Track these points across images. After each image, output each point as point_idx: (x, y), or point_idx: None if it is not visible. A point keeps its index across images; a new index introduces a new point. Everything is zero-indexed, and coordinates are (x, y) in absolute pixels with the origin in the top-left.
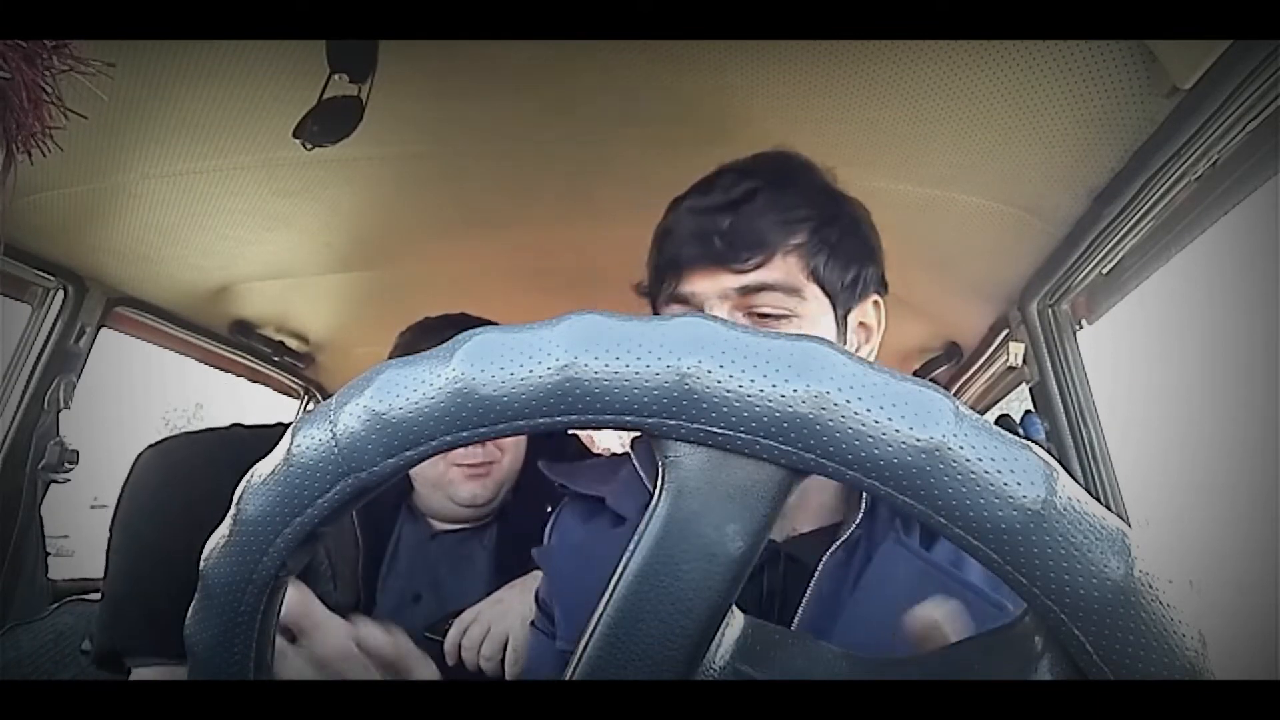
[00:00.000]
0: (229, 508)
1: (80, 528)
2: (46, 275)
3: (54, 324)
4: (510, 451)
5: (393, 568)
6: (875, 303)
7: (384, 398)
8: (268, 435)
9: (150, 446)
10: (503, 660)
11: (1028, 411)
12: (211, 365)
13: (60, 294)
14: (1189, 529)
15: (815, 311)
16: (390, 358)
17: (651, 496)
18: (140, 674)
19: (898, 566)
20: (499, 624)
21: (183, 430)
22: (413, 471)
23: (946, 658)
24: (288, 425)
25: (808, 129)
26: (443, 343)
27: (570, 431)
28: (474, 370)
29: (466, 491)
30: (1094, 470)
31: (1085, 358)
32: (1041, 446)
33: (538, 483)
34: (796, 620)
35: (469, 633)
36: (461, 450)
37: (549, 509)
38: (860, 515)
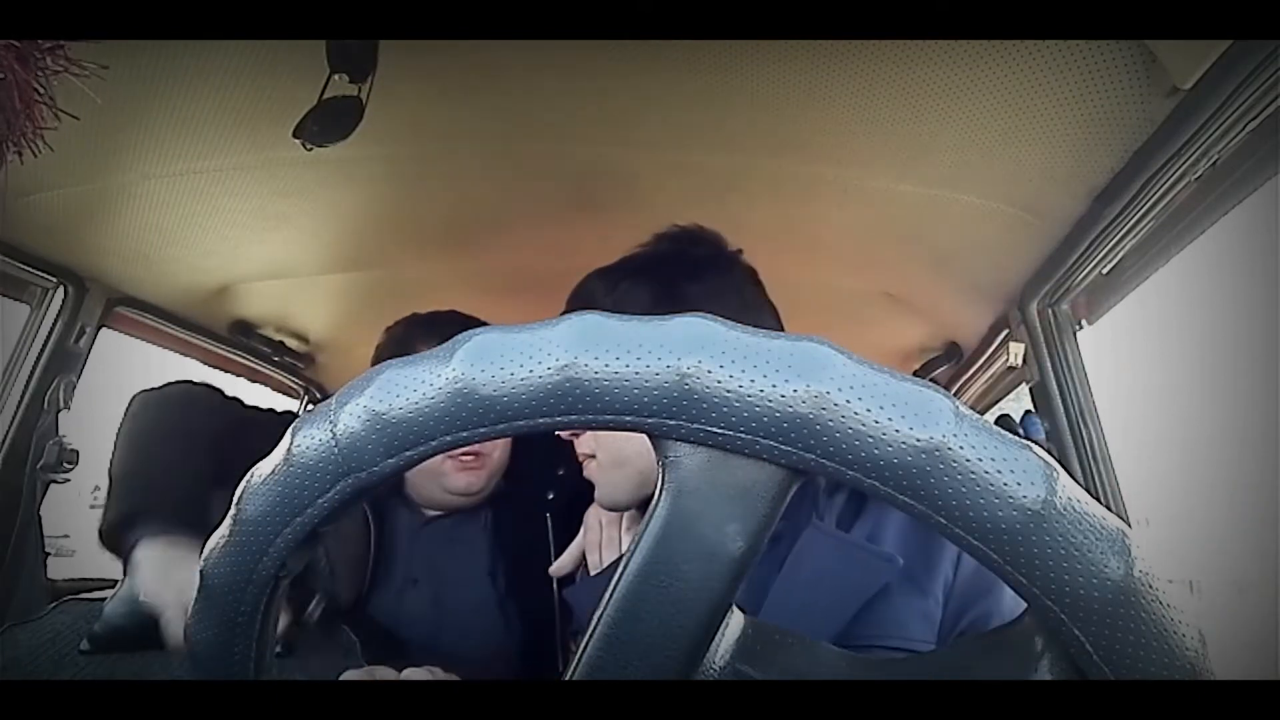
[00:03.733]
0: (224, 444)
1: (80, 528)
2: (46, 275)
3: (54, 324)
4: (501, 444)
5: (389, 554)
6: None
7: (384, 398)
8: (261, 414)
9: (148, 390)
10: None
11: (1028, 411)
12: (211, 365)
13: (60, 294)
14: (1189, 529)
15: None
16: (377, 353)
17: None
18: (143, 551)
19: (816, 548)
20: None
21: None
22: None
23: (946, 658)
24: (281, 413)
25: (808, 129)
26: (433, 339)
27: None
28: (474, 370)
29: (461, 482)
30: (1094, 470)
31: (1085, 358)
32: (1041, 446)
33: (529, 467)
34: None
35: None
36: None
37: (549, 495)
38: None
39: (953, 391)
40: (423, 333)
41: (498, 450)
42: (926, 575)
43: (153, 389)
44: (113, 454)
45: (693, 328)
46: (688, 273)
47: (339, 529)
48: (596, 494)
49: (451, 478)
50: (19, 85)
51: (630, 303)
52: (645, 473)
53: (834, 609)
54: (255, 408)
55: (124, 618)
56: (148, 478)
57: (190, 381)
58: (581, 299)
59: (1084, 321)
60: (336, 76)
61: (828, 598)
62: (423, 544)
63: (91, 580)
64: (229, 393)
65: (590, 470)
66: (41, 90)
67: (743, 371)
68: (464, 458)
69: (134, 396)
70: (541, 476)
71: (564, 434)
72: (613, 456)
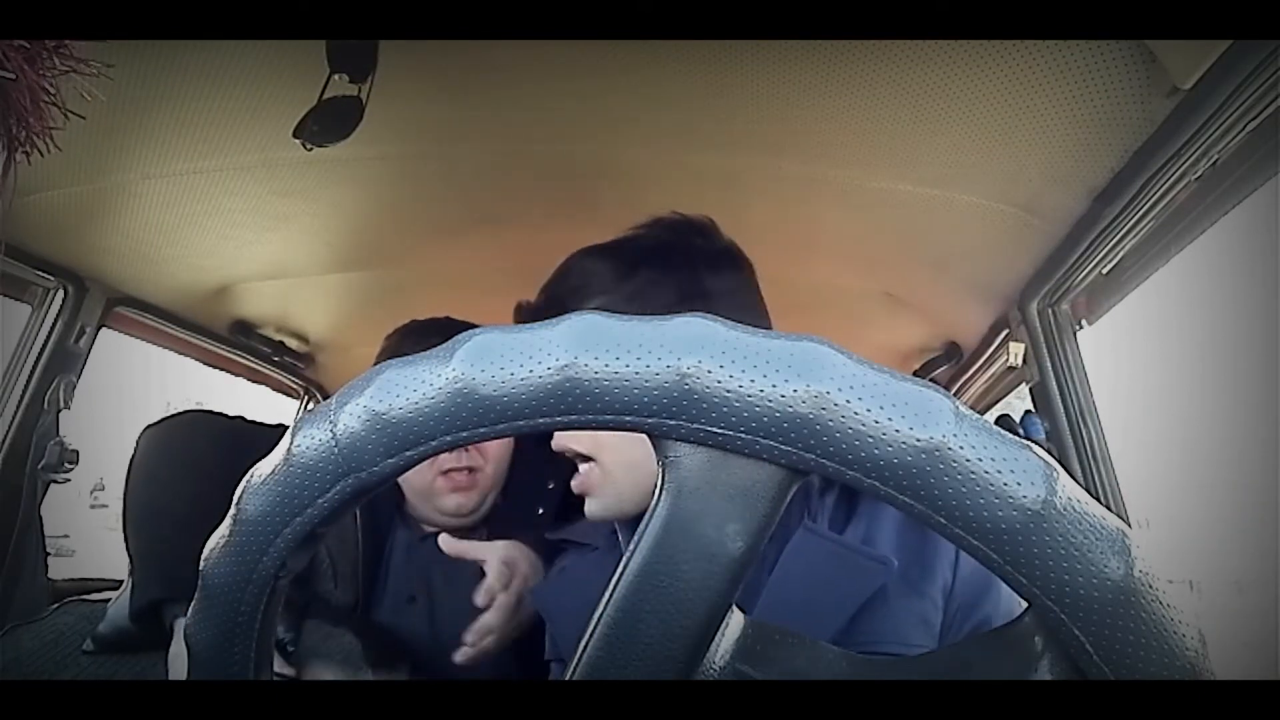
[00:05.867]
0: (233, 477)
1: (80, 528)
2: (46, 275)
3: (54, 324)
4: (494, 460)
5: (388, 570)
6: None
7: (384, 398)
8: (268, 431)
9: (153, 425)
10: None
11: (1028, 411)
12: (211, 365)
13: (60, 294)
14: (1189, 529)
15: None
16: (377, 360)
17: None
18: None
19: (808, 551)
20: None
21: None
22: (401, 479)
23: (946, 658)
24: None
25: (808, 129)
26: (427, 347)
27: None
28: (474, 370)
29: (452, 503)
30: (1094, 470)
31: (1085, 358)
32: (1041, 446)
33: (526, 485)
34: None
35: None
36: (447, 459)
37: (539, 510)
38: None
39: (953, 391)
40: (417, 340)
41: (490, 467)
42: (923, 579)
43: (160, 426)
44: (126, 502)
45: (692, 327)
46: (709, 268)
47: (340, 541)
48: (590, 503)
49: (443, 498)
50: (29, 87)
51: (652, 295)
52: (655, 477)
53: (828, 613)
54: (264, 424)
55: (128, 619)
56: (176, 550)
57: (197, 414)
58: (581, 277)
59: (1084, 321)
60: (336, 76)
61: (821, 602)
62: (419, 562)
63: (92, 580)
64: (232, 415)
65: (588, 476)
66: (51, 91)
67: (743, 371)
68: (455, 476)
69: (142, 434)
70: (534, 492)
71: (556, 444)
72: (623, 460)
